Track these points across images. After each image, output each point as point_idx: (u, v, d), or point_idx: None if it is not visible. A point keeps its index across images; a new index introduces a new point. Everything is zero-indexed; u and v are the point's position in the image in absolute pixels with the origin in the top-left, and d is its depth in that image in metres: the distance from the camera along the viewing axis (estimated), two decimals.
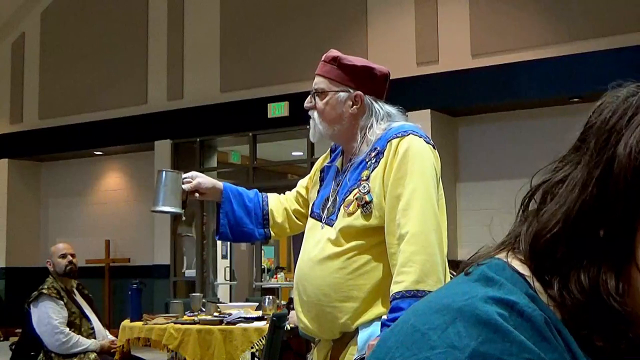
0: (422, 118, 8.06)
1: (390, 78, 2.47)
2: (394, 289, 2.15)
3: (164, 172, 2.68)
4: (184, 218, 2.76)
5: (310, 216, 2.48)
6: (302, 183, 2.70)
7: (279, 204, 2.70)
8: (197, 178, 2.66)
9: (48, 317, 4.88)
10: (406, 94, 7.99)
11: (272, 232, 2.69)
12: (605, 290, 0.69)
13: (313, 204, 2.49)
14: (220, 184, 2.69)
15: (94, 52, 11.11)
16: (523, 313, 0.67)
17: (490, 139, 8.36)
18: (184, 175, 2.67)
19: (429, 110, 8.23)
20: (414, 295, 2.10)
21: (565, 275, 0.71)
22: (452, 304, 0.69)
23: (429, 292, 2.10)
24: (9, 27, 11.97)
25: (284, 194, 2.75)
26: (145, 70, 10.68)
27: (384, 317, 2.17)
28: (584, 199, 0.72)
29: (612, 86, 0.78)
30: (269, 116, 9.36)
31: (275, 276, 10.02)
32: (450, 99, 8.29)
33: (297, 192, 2.70)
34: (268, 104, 9.35)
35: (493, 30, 8.14)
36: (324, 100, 2.41)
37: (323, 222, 2.37)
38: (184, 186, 2.64)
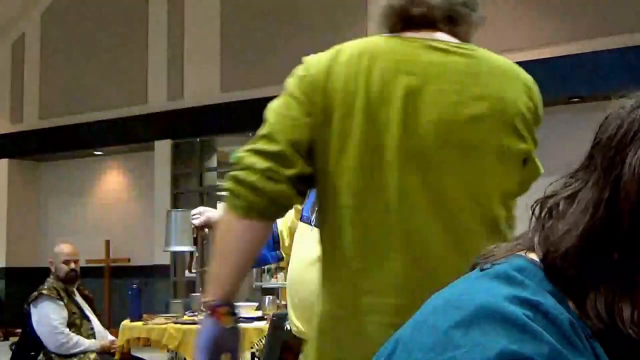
0: None
1: None
2: None
3: (172, 212, 2.67)
4: (197, 254, 2.72)
5: (300, 220, 2.48)
6: None
7: (284, 223, 2.71)
8: (206, 212, 2.64)
9: (48, 317, 4.88)
10: None
11: (283, 253, 2.69)
12: (620, 320, 0.67)
13: (302, 209, 2.49)
14: None
15: (94, 52, 11.11)
16: (548, 314, 0.66)
17: None
18: (192, 212, 2.65)
19: None
20: None
21: (582, 297, 0.69)
22: (472, 301, 0.66)
23: None
24: (9, 27, 11.97)
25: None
26: (145, 70, 10.68)
27: None
28: (595, 221, 0.70)
29: (617, 96, 0.76)
30: None
31: (275, 276, 10.00)
32: None
33: (295, 207, 2.70)
34: (268, 104, 9.33)
35: (492, 30, 8.14)
36: None
37: (312, 224, 2.38)
38: (193, 221, 2.62)
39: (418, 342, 0.67)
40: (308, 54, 1.61)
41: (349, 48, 1.52)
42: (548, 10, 7.93)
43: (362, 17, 8.97)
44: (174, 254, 10.14)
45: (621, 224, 0.68)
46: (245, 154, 1.54)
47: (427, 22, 1.54)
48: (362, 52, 1.50)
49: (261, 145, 1.51)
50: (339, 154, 1.47)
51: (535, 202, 0.77)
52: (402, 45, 1.51)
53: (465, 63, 1.51)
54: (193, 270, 2.69)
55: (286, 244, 2.68)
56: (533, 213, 0.77)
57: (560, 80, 7.58)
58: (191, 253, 2.72)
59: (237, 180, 1.49)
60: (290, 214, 2.73)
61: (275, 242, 2.68)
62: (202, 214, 2.63)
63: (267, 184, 1.45)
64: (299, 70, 1.56)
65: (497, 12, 8.15)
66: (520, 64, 1.65)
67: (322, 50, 1.58)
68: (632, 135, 0.71)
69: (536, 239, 0.74)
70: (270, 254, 2.67)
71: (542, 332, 0.64)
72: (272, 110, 1.57)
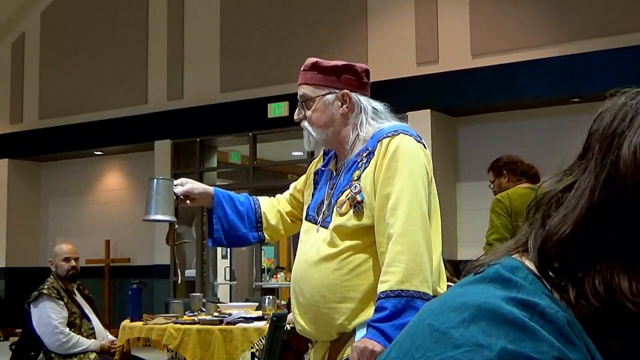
0: (422, 118, 8.06)
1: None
2: (379, 288, 2.16)
3: (155, 180, 2.62)
4: (177, 226, 2.69)
5: (306, 219, 2.47)
6: (296, 185, 2.69)
7: (272, 206, 2.67)
8: (188, 183, 2.61)
9: (48, 317, 4.88)
10: (406, 94, 7.98)
11: (265, 235, 2.66)
12: (619, 294, 0.68)
13: (308, 207, 2.48)
14: (211, 188, 2.65)
15: (94, 52, 11.11)
16: (545, 315, 0.66)
17: (490, 139, 8.35)
18: (174, 182, 2.63)
19: (429, 110, 8.22)
20: (398, 295, 2.11)
21: (579, 281, 0.70)
22: (470, 302, 0.67)
23: (414, 291, 2.11)
24: (9, 27, 11.97)
25: (275, 196, 2.74)
26: (145, 70, 10.68)
27: (370, 318, 2.17)
28: (593, 202, 0.71)
29: (610, 94, 0.78)
30: (269, 116, 9.35)
31: (275, 276, 10.01)
32: (450, 99, 8.28)
33: (291, 194, 2.69)
34: (268, 104, 9.34)
35: (493, 30, 8.14)
36: (313, 107, 2.41)
37: (318, 224, 2.37)
38: (175, 190, 2.60)
39: (416, 342, 0.67)
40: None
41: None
42: (548, 11, 7.93)
43: (362, 17, 8.97)
44: (173, 252, 10.14)
45: (619, 203, 0.69)
46: None
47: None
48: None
49: None
50: None
51: (529, 205, 0.78)
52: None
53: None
54: (170, 243, 2.64)
55: (272, 223, 2.65)
56: (527, 213, 0.78)
57: (560, 80, 7.59)
58: (171, 224, 2.66)
59: None
60: (281, 198, 2.70)
61: (258, 222, 2.65)
62: (183, 184, 2.61)
63: None
64: None
65: (498, 13, 8.15)
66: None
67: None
68: (629, 121, 0.72)
69: (531, 238, 0.75)
70: (252, 234, 2.63)
71: (541, 330, 0.64)
72: None
